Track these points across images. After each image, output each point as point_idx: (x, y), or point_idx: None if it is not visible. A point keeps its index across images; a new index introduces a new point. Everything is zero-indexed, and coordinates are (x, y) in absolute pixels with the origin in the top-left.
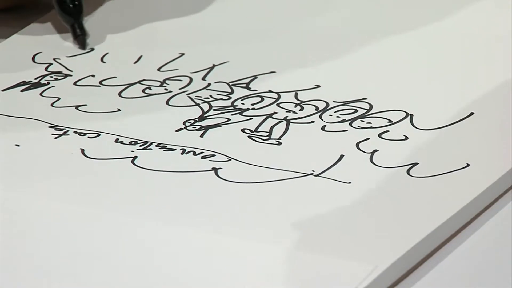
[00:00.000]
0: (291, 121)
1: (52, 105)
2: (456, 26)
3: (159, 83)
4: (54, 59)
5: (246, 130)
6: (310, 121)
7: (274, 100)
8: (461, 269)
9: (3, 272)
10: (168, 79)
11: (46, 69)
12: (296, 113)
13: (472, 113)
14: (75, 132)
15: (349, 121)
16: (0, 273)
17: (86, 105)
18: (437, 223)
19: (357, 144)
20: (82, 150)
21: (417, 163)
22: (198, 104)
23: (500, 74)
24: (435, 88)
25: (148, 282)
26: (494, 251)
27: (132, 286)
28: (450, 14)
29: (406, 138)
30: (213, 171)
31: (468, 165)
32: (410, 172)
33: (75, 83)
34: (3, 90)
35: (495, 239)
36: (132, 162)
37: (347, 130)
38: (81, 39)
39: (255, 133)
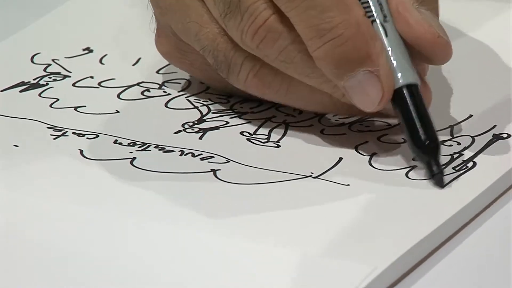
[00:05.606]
0: (290, 124)
1: (51, 106)
2: (456, 29)
3: (158, 86)
4: (53, 60)
5: (244, 133)
6: (309, 124)
7: (273, 104)
8: (461, 269)
9: (3, 272)
10: (166, 81)
11: (45, 70)
12: (295, 116)
13: (470, 116)
14: (73, 133)
15: (348, 125)
16: None
17: (85, 106)
18: (437, 223)
19: (356, 147)
20: (81, 151)
21: (416, 166)
22: (197, 107)
23: (499, 75)
24: (433, 90)
25: (147, 282)
26: (494, 251)
27: (131, 287)
28: (450, 17)
29: (405, 141)
30: (211, 173)
31: (468, 167)
32: (409, 175)
33: (73, 84)
34: (2, 91)
35: (495, 239)
36: (131, 163)
37: (346, 134)
38: (438, 177)
39: (253, 135)
